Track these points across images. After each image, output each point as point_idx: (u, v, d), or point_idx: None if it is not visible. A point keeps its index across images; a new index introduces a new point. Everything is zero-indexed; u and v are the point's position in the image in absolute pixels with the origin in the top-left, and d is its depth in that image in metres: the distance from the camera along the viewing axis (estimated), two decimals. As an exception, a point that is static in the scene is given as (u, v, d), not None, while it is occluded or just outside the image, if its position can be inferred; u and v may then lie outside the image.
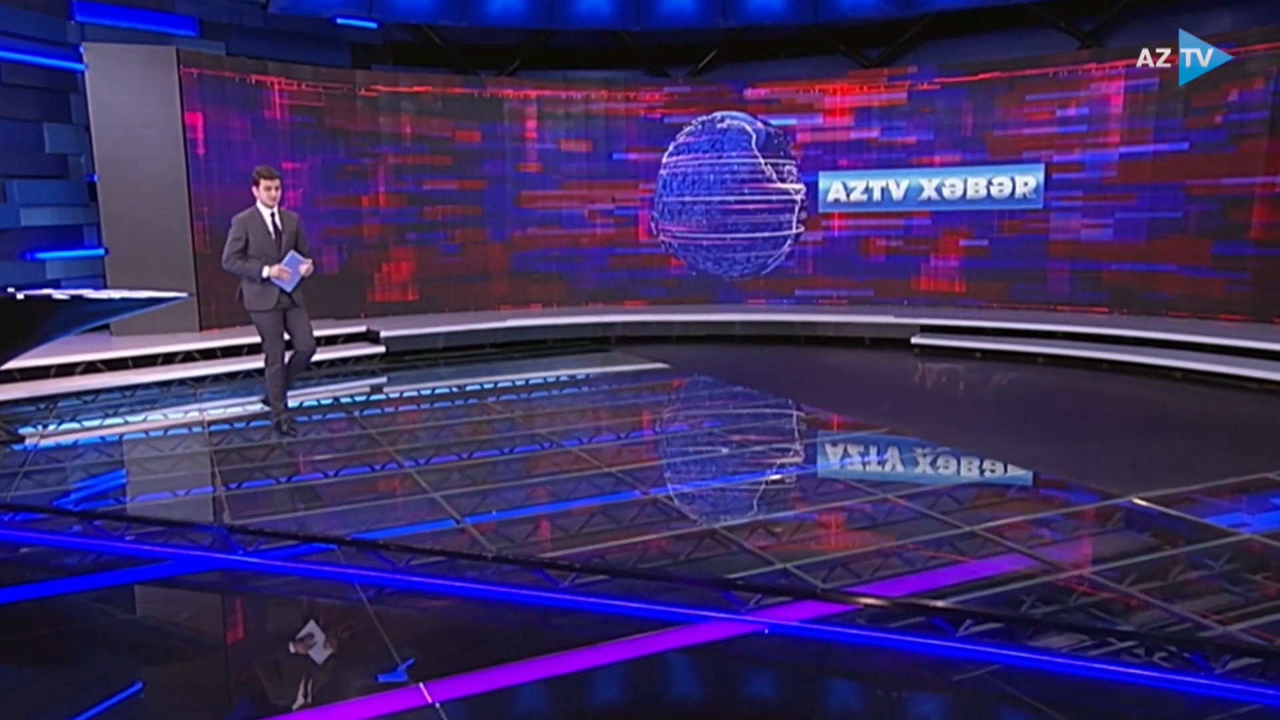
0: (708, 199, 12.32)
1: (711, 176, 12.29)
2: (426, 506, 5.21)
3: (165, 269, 9.74)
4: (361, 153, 11.25)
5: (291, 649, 3.79)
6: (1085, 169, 10.93)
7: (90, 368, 8.55)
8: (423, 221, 11.72)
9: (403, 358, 10.27)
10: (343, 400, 8.46)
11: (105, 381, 8.45)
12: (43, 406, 7.89)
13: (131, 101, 9.48)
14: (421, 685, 3.29)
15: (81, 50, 9.35)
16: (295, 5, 10.27)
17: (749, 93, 12.33)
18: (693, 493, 5.43)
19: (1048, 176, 11.17)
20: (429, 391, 8.94)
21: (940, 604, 3.76)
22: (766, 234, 12.41)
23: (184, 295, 7.31)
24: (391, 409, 8.10)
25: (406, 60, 12.46)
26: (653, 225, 12.60)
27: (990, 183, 11.48)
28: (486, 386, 9.05)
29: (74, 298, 6.99)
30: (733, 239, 12.41)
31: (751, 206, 12.32)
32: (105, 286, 9.65)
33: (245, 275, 6.52)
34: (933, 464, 6.17)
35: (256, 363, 9.23)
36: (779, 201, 12.32)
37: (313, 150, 10.93)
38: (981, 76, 11.42)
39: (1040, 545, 4.49)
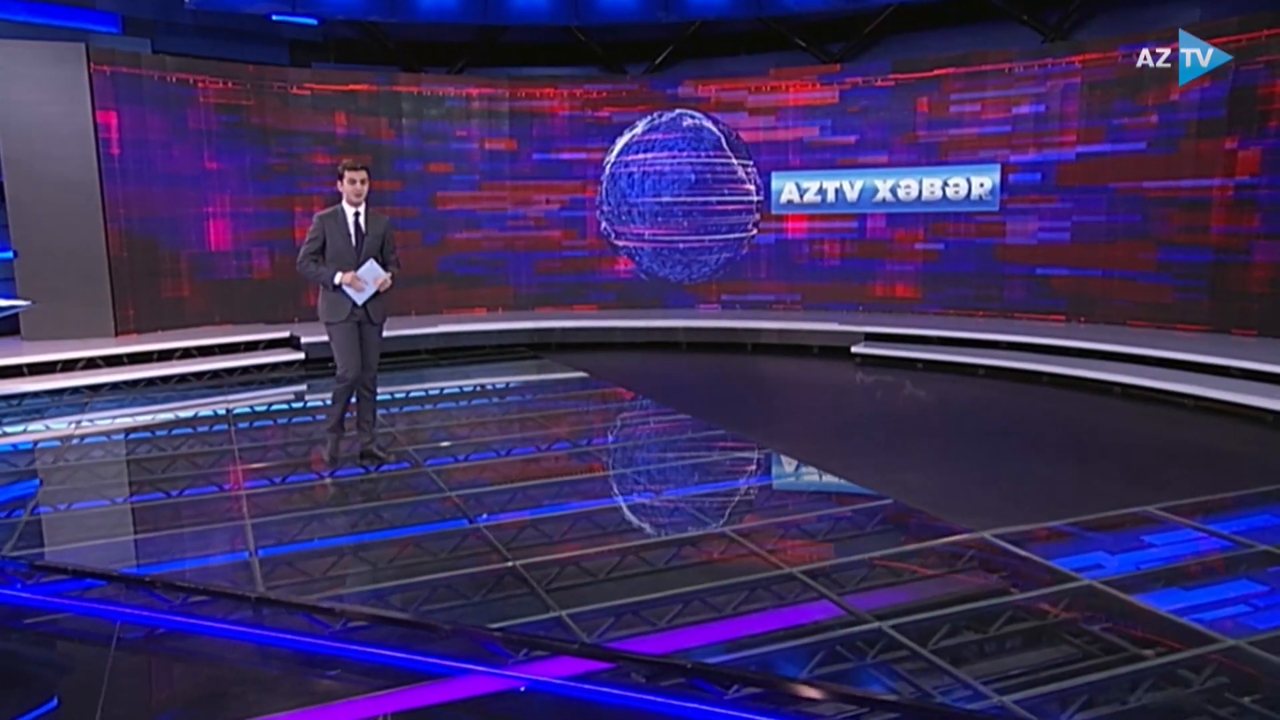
0: (690, 200, 11.89)
1: (694, 176, 11.86)
2: (235, 535, 4.86)
3: (77, 272, 9.52)
4: (292, 153, 10.94)
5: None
6: (1042, 169, 10.41)
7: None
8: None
9: (326, 364, 9.91)
10: (233, 411, 8.11)
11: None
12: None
13: (39, 100, 9.22)
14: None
15: (-13, 47, 9.12)
16: (212, 1, 9.95)
17: (682, 91, 11.91)
18: (515, 522, 5.04)
19: (1004, 178, 10.65)
20: (319, 403, 8.60)
21: (696, 663, 3.35)
22: (736, 235, 11.98)
23: (28, 303, 6.99)
24: (268, 422, 7.75)
25: (350, 58, 12.15)
26: (604, 227, 12.18)
27: (945, 184, 10.98)
28: (381, 397, 8.67)
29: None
30: (710, 241, 11.99)
31: (729, 208, 11.89)
32: (14, 291, 9.43)
33: (317, 280, 5.68)
34: (780, 495, 5.71)
35: (166, 369, 9.07)
36: (746, 202, 11.89)
37: (239, 150, 10.63)
38: (936, 73, 10.92)
39: (857, 592, 4.06)
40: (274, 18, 11.09)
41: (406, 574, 4.39)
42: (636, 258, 12.21)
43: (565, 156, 12.04)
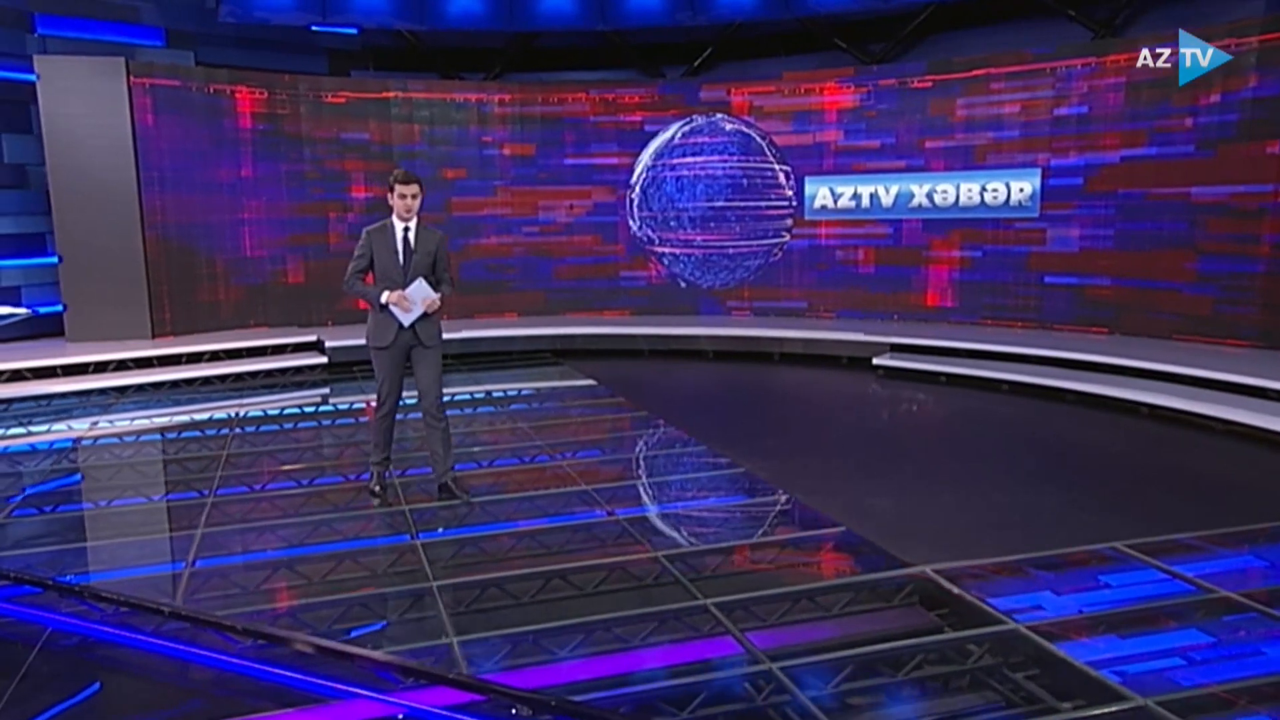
0: (743, 204, 11.75)
1: (745, 181, 11.73)
2: (184, 545, 4.97)
3: (116, 277, 9.92)
4: (325, 159, 11.17)
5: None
6: (1084, 173, 9.92)
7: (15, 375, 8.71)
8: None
9: (351, 368, 10.13)
10: (240, 415, 8.30)
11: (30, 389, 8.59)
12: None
13: (82, 112, 9.63)
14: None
15: (33, 62, 9.56)
16: (244, 12, 10.23)
17: (706, 95, 11.74)
18: (449, 540, 5.01)
19: (1044, 183, 10.19)
20: (330, 408, 8.76)
21: (561, 700, 3.26)
22: (774, 240, 11.79)
23: (23, 312, 7.27)
24: (274, 427, 7.91)
25: (387, 65, 12.37)
26: (644, 232, 12.07)
27: (984, 189, 10.56)
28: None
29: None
30: (757, 245, 11.83)
31: (776, 212, 11.71)
32: (59, 294, 9.89)
33: (364, 299, 5.35)
34: (730, 519, 5.51)
35: (191, 372, 9.37)
36: (786, 206, 11.69)
37: (274, 158, 10.92)
38: (975, 73, 10.52)
39: (769, 628, 3.91)
40: (314, 28, 11.34)
41: (334, 590, 4.40)
42: (680, 263, 12.09)
43: (594, 161, 12.00)
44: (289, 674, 3.69)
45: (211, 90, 10.47)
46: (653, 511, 5.44)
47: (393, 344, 5.33)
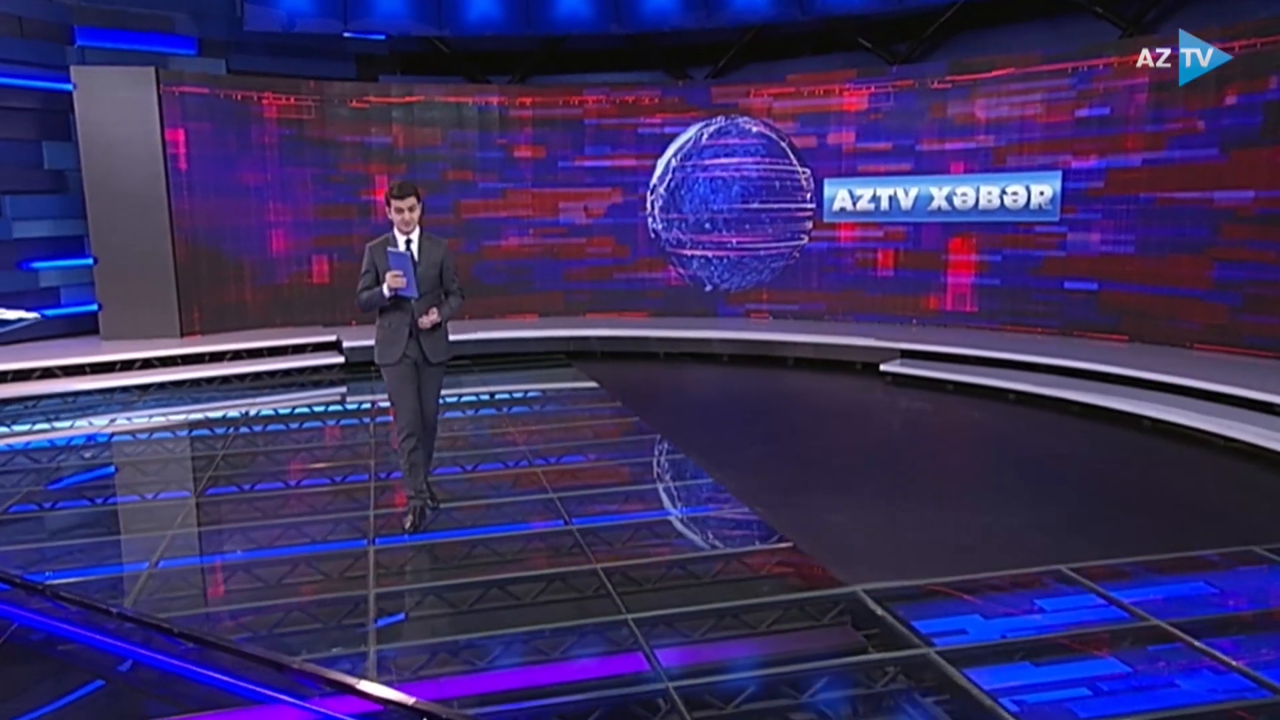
0: (776, 205, 11.75)
1: (777, 183, 11.72)
2: (153, 545, 5.19)
3: (147, 278, 10.32)
4: (349, 163, 11.45)
5: None
6: (1106, 177, 9.67)
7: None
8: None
9: (367, 368, 10.34)
10: (248, 414, 8.58)
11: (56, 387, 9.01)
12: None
13: (115, 120, 10.03)
14: None
15: (70, 72, 9.99)
16: (267, 21, 10.54)
17: (720, 98, 11.73)
18: (404, 547, 5.13)
19: (1064, 186, 9.95)
20: (338, 408, 9.01)
21: (456, 712, 3.36)
22: (795, 242, 11.75)
23: (32, 317, 7.60)
24: (280, 427, 8.16)
25: (414, 70, 12.60)
26: (676, 236, 12.09)
27: (1004, 192, 10.36)
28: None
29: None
30: (784, 247, 11.81)
31: (803, 214, 11.67)
32: (95, 294, 10.33)
33: (374, 306, 5.15)
34: (675, 534, 5.49)
35: (213, 371, 9.70)
36: (809, 208, 11.64)
37: (299, 162, 11.23)
38: (994, 74, 10.30)
39: (687, 644, 3.95)
40: (345, 34, 11.61)
41: (281, 595, 4.56)
42: (712, 266, 12.09)
43: (613, 163, 12.07)
44: (222, 677, 3.86)
45: (239, 97, 10.81)
46: (609, 522, 5.49)
47: (400, 360, 5.17)
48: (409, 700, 3.46)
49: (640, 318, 12.08)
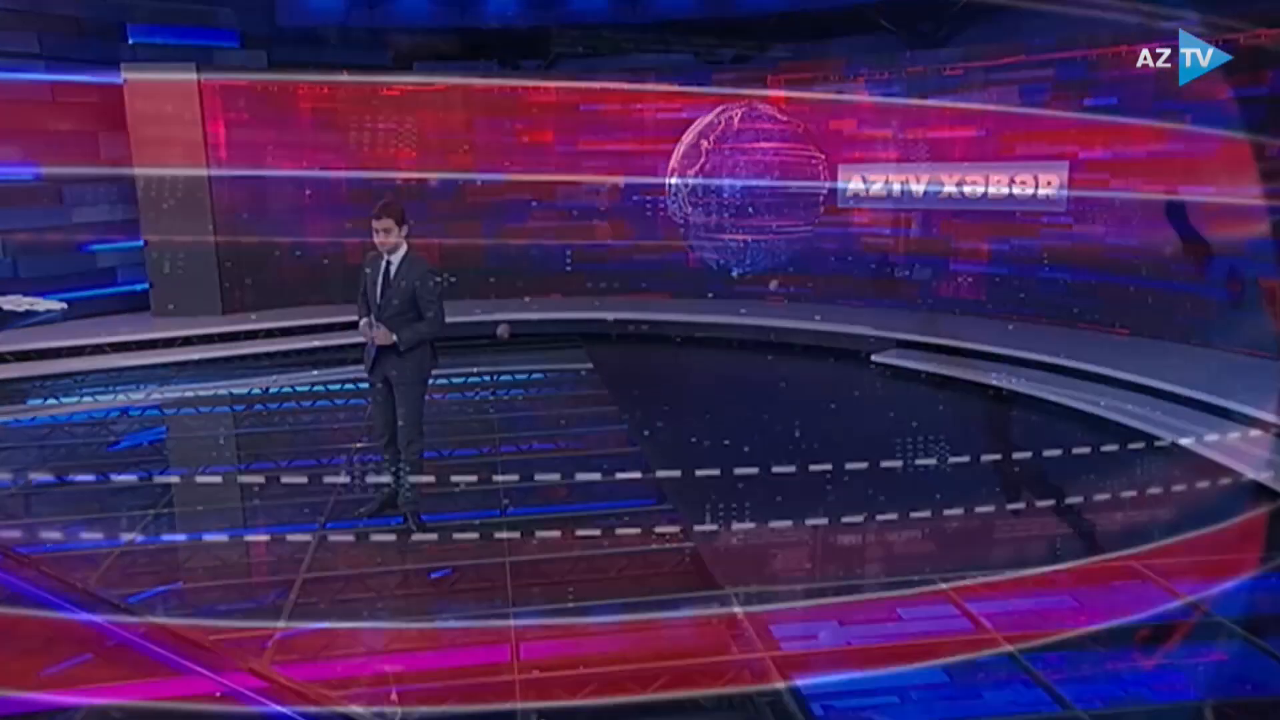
0: (813, 188, 11.90)
1: (806, 168, 11.88)
2: (136, 523, 5.85)
3: (191, 260, 11.14)
4: (382, 148, 12.03)
5: None
6: (1114, 167, 9.54)
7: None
8: (452, 214, 12.29)
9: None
10: (252, 392, 9.24)
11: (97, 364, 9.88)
12: None
13: (160, 111, 10.81)
14: None
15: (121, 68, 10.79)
16: (299, 15, 11.13)
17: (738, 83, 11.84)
18: (351, 532, 5.66)
19: (1071, 176, 9.85)
20: (338, 387, 9.50)
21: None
22: (809, 227, 11.87)
23: (61, 306, 8.30)
24: (290, 404, 8.82)
25: (448, 57, 13.05)
26: (710, 219, 12.28)
27: (1013, 181, 10.29)
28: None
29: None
30: (809, 231, 11.96)
31: (822, 198, 11.80)
32: (146, 275, 11.21)
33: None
34: (599, 525, 5.59)
35: (247, 348, 10.44)
36: (828, 194, 11.74)
37: (337, 149, 11.86)
38: (1005, 60, 10.21)
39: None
40: (373, 26, 12.16)
41: (231, 575, 5.17)
42: (747, 250, 12.29)
43: (634, 147, 12.34)
44: (157, 649, 4.47)
45: (276, 87, 11.47)
46: (535, 514, 5.91)
47: (372, 372, 5.46)
48: (285, 680, 4.00)
49: (662, 299, 12.36)
